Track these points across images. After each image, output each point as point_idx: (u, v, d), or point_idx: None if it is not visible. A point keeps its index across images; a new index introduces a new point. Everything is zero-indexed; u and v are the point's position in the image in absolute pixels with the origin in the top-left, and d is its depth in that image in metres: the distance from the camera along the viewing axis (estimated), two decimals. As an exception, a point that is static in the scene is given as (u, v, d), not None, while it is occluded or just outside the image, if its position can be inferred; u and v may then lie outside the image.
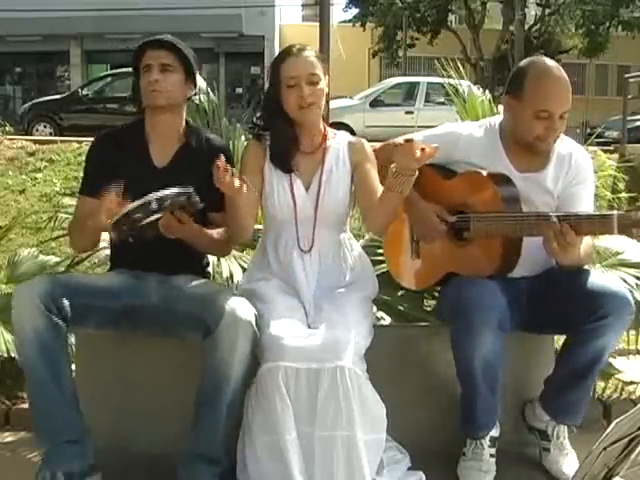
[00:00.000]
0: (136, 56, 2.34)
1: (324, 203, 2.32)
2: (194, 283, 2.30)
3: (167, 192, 2.04)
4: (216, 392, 2.11)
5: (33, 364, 2.07)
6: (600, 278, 2.30)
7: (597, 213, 2.16)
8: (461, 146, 2.37)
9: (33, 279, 2.15)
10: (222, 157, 2.05)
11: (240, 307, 2.13)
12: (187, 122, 2.43)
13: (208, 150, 2.35)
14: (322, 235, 2.34)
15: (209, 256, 2.58)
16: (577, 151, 2.38)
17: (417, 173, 2.06)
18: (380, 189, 2.25)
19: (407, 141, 2.01)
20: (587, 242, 2.26)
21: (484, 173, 2.31)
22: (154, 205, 2.01)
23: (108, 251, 2.56)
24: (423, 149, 1.99)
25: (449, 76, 3.72)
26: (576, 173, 2.34)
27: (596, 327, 2.17)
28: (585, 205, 2.33)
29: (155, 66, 2.29)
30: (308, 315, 2.24)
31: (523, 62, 2.35)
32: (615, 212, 2.07)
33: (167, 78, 2.30)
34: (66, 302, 2.09)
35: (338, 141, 2.39)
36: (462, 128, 2.47)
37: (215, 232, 2.32)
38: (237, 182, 2.05)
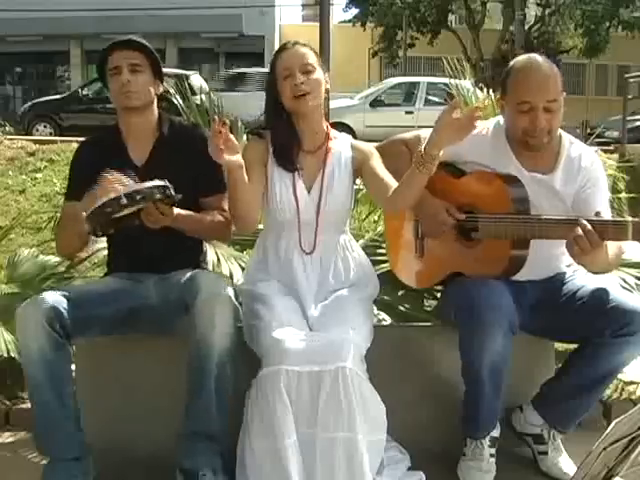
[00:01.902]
0: (101, 59, 2.33)
1: (326, 207, 2.30)
2: (187, 274, 2.29)
3: (139, 186, 2.03)
4: (201, 369, 2.12)
5: (38, 383, 2.09)
6: (627, 295, 2.29)
7: (611, 219, 2.13)
8: (469, 144, 2.30)
9: (35, 297, 2.14)
10: (224, 123, 2.02)
11: (216, 284, 2.14)
12: (159, 114, 2.41)
13: (188, 138, 2.37)
14: (324, 239, 2.33)
15: (208, 255, 2.59)
16: (586, 153, 2.36)
17: (441, 153, 2.07)
18: (390, 178, 2.25)
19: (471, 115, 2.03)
20: (618, 244, 2.21)
21: (494, 173, 2.30)
22: (124, 200, 1.99)
23: (106, 252, 2.56)
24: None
25: (455, 76, 3.73)
26: (588, 177, 2.31)
27: (620, 342, 2.16)
28: (600, 208, 2.27)
29: (125, 67, 2.29)
30: (308, 317, 2.23)
31: (510, 63, 2.35)
32: (630, 219, 2.05)
33: (138, 78, 2.30)
34: (70, 318, 2.10)
35: (340, 142, 2.38)
36: None
37: (208, 215, 2.30)
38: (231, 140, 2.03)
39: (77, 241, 2.28)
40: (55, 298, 2.13)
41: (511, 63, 2.33)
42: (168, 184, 2.06)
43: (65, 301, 2.13)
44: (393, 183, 2.24)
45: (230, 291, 2.15)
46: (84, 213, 2.02)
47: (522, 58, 2.33)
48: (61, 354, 2.10)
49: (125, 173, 2.09)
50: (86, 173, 2.28)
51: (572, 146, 2.35)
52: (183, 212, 2.19)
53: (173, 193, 2.07)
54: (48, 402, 2.10)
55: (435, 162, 2.08)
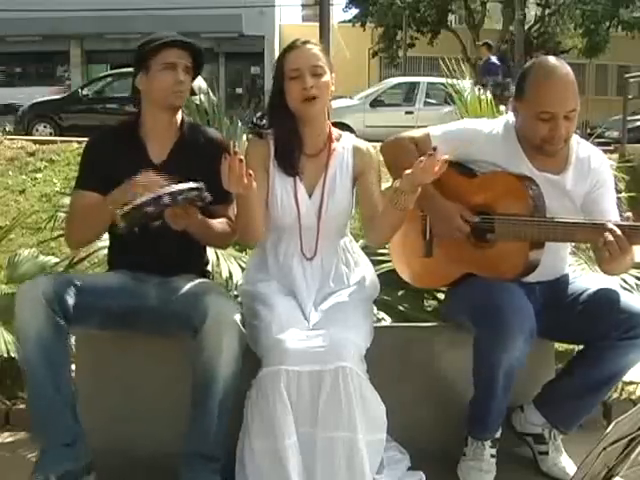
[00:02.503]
0: (150, 52, 2.27)
1: (327, 213, 2.28)
2: (190, 283, 2.28)
3: (180, 187, 2.03)
4: (205, 392, 2.12)
5: (33, 365, 2.07)
6: (631, 297, 2.30)
7: (634, 223, 2.13)
8: (480, 143, 2.32)
9: (37, 278, 2.14)
10: (236, 154, 2.01)
11: (224, 308, 2.12)
12: (182, 117, 2.40)
13: (205, 143, 2.36)
14: (325, 244, 2.31)
15: (209, 256, 2.58)
16: (595, 154, 2.35)
17: (420, 189, 2.06)
18: (381, 200, 2.25)
19: (430, 155, 2.00)
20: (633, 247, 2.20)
21: (508, 173, 2.28)
22: (166, 199, 2.00)
23: (107, 251, 2.56)
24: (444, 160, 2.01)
25: (453, 76, 3.73)
26: (597, 178, 2.31)
27: (626, 345, 2.16)
28: (610, 208, 2.30)
29: (180, 66, 2.28)
30: (309, 318, 2.22)
31: (527, 64, 2.32)
32: None
33: (187, 80, 2.31)
34: (70, 301, 2.09)
35: (343, 144, 2.34)
36: (481, 125, 2.42)
37: (217, 222, 2.30)
38: (246, 179, 2.01)
39: (94, 234, 2.29)
40: (57, 280, 2.12)
41: (528, 66, 2.29)
42: (202, 185, 2.06)
43: (67, 284, 2.11)
44: (381, 206, 2.24)
45: (238, 315, 2.13)
46: (119, 210, 2.01)
47: (540, 62, 2.27)
48: (59, 336, 2.07)
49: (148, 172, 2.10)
50: (101, 164, 2.28)
51: (580, 146, 2.34)
52: (201, 217, 2.19)
53: (208, 196, 2.07)
54: (43, 386, 2.07)
55: (409, 198, 2.08)
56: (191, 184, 2.05)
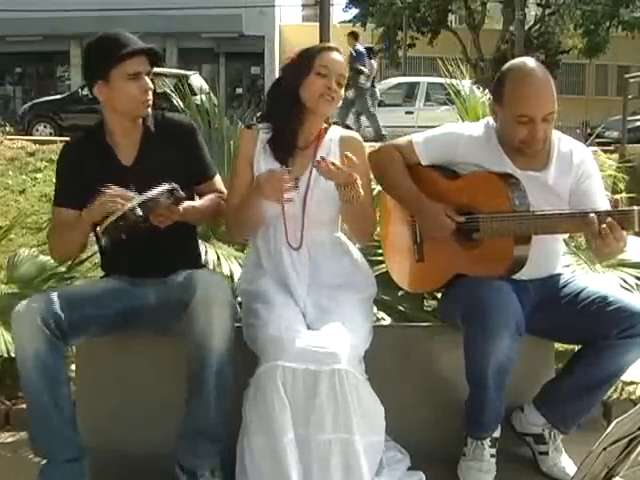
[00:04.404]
0: (116, 60, 2.19)
1: (312, 202, 2.29)
2: (186, 273, 2.29)
3: (150, 194, 2.04)
4: (201, 364, 2.10)
5: (33, 386, 2.09)
6: (631, 296, 2.31)
7: (616, 209, 2.15)
8: (462, 146, 2.35)
9: (32, 298, 2.14)
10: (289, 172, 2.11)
11: (212, 281, 2.15)
12: None
13: (172, 130, 2.34)
14: (312, 234, 2.32)
15: (209, 256, 2.59)
16: (577, 148, 2.37)
17: (357, 178, 2.11)
18: (365, 197, 2.25)
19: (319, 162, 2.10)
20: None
21: (490, 172, 2.30)
22: (139, 211, 2.02)
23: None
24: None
25: (452, 76, 3.73)
26: (582, 170, 2.32)
27: (626, 343, 2.16)
28: (599, 198, 2.31)
29: (143, 73, 2.23)
30: (306, 314, 2.23)
31: (504, 66, 2.33)
32: (635, 207, 2.06)
33: (152, 86, 2.27)
34: (66, 319, 2.10)
35: (330, 137, 2.37)
36: (462, 128, 2.45)
37: (207, 200, 2.32)
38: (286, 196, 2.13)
39: (77, 247, 2.29)
40: (51, 299, 2.12)
41: (505, 68, 2.30)
42: (175, 185, 2.08)
43: (61, 302, 2.12)
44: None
45: (228, 289, 2.15)
46: (99, 228, 2.04)
47: (517, 65, 2.29)
48: (57, 355, 2.09)
49: (120, 179, 2.11)
50: (73, 178, 2.28)
51: (561, 141, 2.36)
52: (187, 205, 2.19)
53: (182, 194, 2.09)
54: (43, 404, 2.09)
55: (345, 192, 2.12)
56: (162, 187, 2.06)
